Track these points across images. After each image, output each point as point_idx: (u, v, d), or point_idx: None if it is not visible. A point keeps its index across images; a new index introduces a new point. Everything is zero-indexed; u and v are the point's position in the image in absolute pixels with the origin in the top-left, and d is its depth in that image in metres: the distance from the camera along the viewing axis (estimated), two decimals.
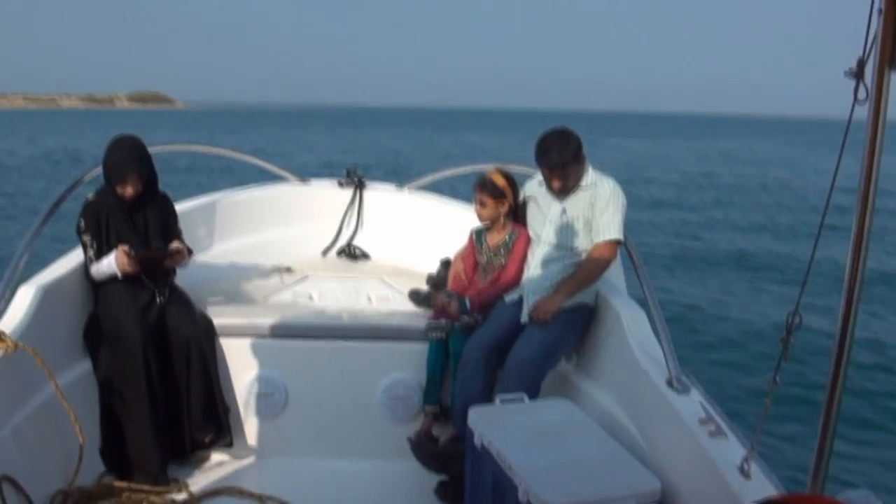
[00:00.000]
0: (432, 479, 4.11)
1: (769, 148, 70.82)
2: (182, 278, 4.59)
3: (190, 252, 4.47)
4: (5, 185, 28.81)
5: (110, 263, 4.16)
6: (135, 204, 4.30)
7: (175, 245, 4.37)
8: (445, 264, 5.12)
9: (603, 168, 4.40)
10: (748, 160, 52.01)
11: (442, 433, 4.40)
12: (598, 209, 4.22)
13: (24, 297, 4.00)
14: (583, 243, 4.30)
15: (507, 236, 4.61)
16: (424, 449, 4.23)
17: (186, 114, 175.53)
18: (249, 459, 4.48)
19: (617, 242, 4.21)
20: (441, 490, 4.07)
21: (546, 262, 4.36)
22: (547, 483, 3.00)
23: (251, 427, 4.54)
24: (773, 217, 24.20)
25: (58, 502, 3.72)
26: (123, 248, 4.13)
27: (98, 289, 4.31)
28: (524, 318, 4.30)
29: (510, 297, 4.44)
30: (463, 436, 3.88)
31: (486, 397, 4.10)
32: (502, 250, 4.60)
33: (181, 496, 4.01)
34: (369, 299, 5.06)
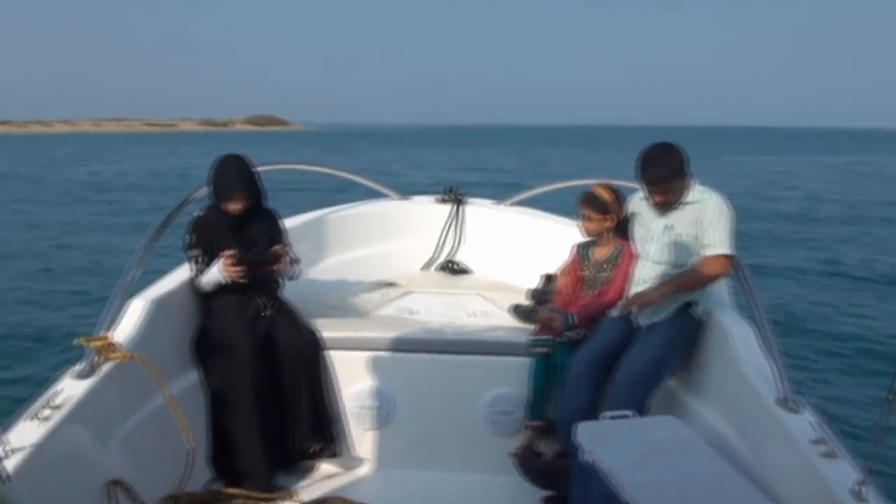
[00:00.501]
0: (535, 495, 4.01)
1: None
2: (288, 292, 4.62)
3: (295, 261, 4.50)
4: (118, 203, 30.02)
5: (215, 271, 4.23)
6: (242, 220, 4.36)
7: (277, 247, 4.38)
8: (547, 279, 5.03)
9: (715, 184, 4.26)
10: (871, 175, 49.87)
11: (545, 448, 4.31)
12: (706, 224, 4.07)
13: (136, 310, 4.10)
14: (688, 260, 4.16)
15: (612, 251, 4.50)
16: (530, 464, 4.14)
17: (300, 134, 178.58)
18: (355, 470, 4.47)
19: (728, 258, 4.05)
20: None
21: (651, 279, 4.23)
22: (657, 502, 2.91)
23: (357, 438, 4.53)
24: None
25: None
26: (228, 252, 4.19)
27: (207, 302, 4.39)
28: (616, 312, 4.23)
29: (614, 313, 4.33)
30: (568, 452, 3.78)
31: (592, 413, 3.98)
32: (607, 265, 4.50)
33: None
34: (470, 314, 5.01)
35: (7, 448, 2.65)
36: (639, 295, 4.15)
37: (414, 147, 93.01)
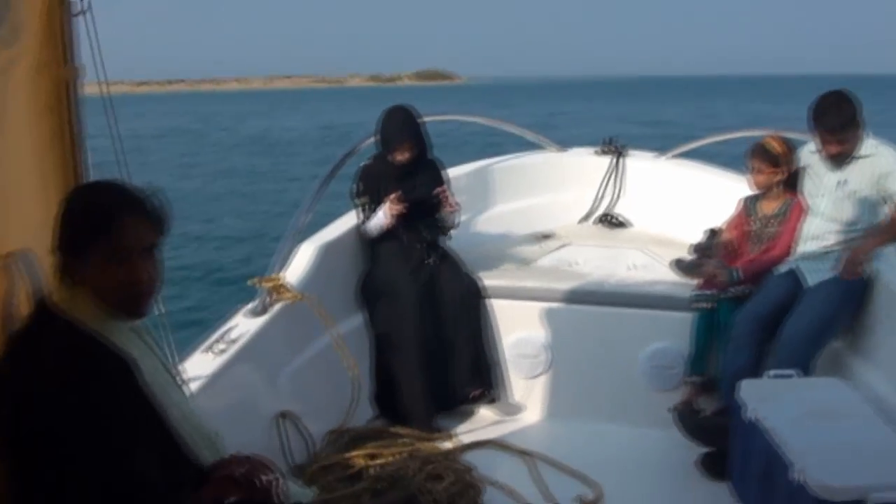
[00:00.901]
0: (693, 451, 3.92)
1: None
2: (450, 241, 4.68)
3: (457, 208, 4.54)
4: (287, 156, 30.96)
5: (381, 215, 4.32)
6: (407, 169, 4.42)
7: (439, 189, 4.43)
8: (711, 233, 4.86)
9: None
10: None
11: (705, 405, 4.21)
12: (891, 180, 3.86)
13: (306, 254, 4.27)
14: (862, 217, 3.94)
15: (781, 205, 4.30)
16: (689, 420, 4.05)
17: (466, 88, 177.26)
18: (512, 417, 4.49)
19: None
20: (706, 462, 3.88)
21: (821, 235, 4.04)
22: (823, 464, 2.81)
23: (514, 385, 4.55)
24: None
25: (332, 439, 3.93)
26: (394, 195, 4.28)
27: (372, 248, 4.50)
28: (807, 282, 4.01)
29: (781, 269, 4.15)
30: (728, 409, 3.68)
31: (754, 371, 3.84)
32: (775, 220, 4.30)
33: (446, 445, 4.08)
34: (630, 267, 4.91)
35: (185, 377, 2.81)
36: (852, 259, 3.88)
37: (581, 100, 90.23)
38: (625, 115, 55.74)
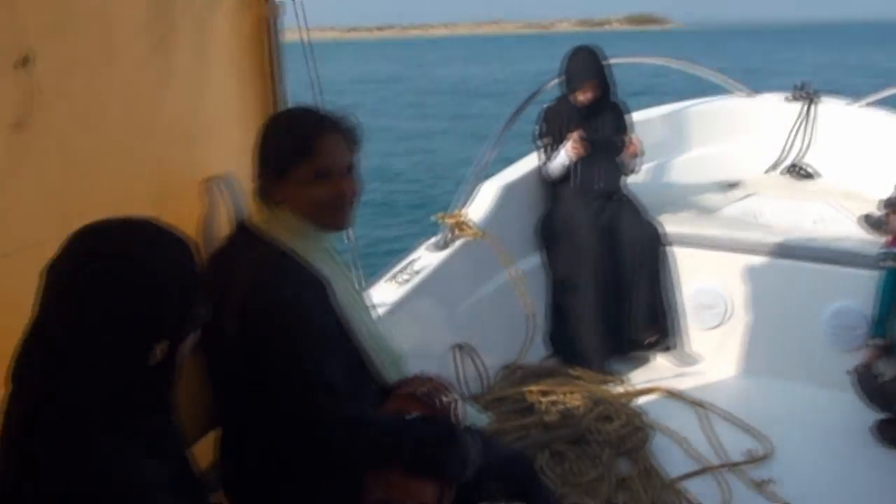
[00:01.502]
0: (869, 416, 3.71)
1: None
2: (631, 186, 4.60)
3: (639, 153, 4.46)
4: (488, 102, 31.00)
5: (562, 153, 4.30)
6: (590, 110, 4.37)
7: (623, 136, 4.37)
8: None
9: None
10: None
11: (885, 369, 3.97)
12: None
13: (488, 193, 4.33)
14: None
15: None
16: (868, 383, 3.84)
17: (676, 33, 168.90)
18: (685, 365, 4.39)
19: None
20: (882, 428, 3.68)
21: None
22: None
23: (690, 334, 4.45)
24: None
25: (506, 374, 3.99)
26: (576, 133, 4.24)
27: (553, 190, 4.49)
28: None
29: None
30: None
31: None
32: None
33: (618, 389, 4.06)
34: (817, 220, 4.67)
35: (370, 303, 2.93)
36: None
37: (794, 45, 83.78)
38: (840, 61, 51.70)
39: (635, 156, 4.41)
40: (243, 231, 2.06)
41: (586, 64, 4.36)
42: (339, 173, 1.99)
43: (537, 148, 4.50)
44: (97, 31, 1.84)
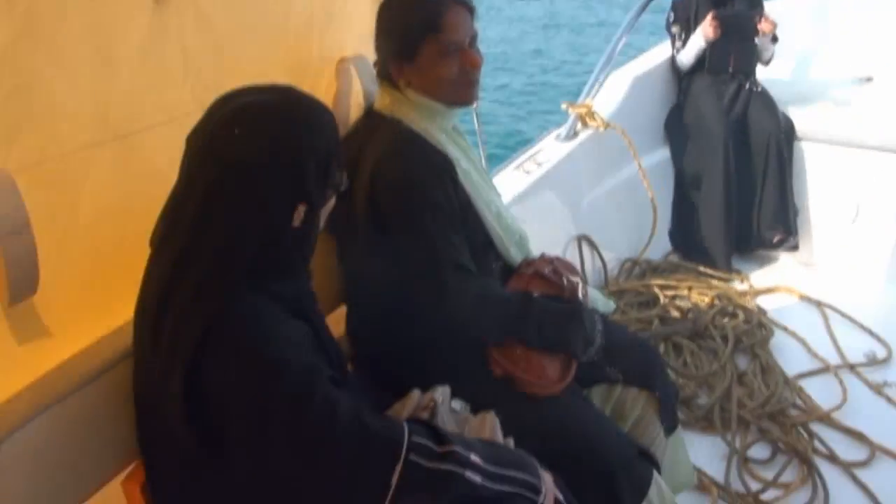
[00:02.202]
0: None
1: None
2: (765, 80, 4.37)
3: (774, 39, 4.24)
4: None
5: (696, 36, 4.15)
6: None
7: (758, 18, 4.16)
8: None
9: None
10: None
11: None
12: None
13: (616, 83, 4.20)
14: None
15: None
16: None
17: None
18: (811, 266, 4.24)
19: None
20: None
21: None
22: None
23: (817, 234, 4.27)
24: None
25: (627, 268, 3.95)
26: (710, 15, 4.07)
27: (683, 82, 4.34)
28: None
29: None
30: None
31: None
32: None
33: (742, 286, 3.97)
34: None
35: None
36: None
37: None
38: None
39: (770, 33, 4.18)
40: (370, 115, 2.06)
41: None
42: (467, 46, 1.96)
43: (670, 36, 4.33)
44: None
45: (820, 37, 5.32)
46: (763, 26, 4.13)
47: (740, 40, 4.19)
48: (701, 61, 4.22)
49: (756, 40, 4.21)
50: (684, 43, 4.24)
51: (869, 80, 5.00)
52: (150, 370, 1.43)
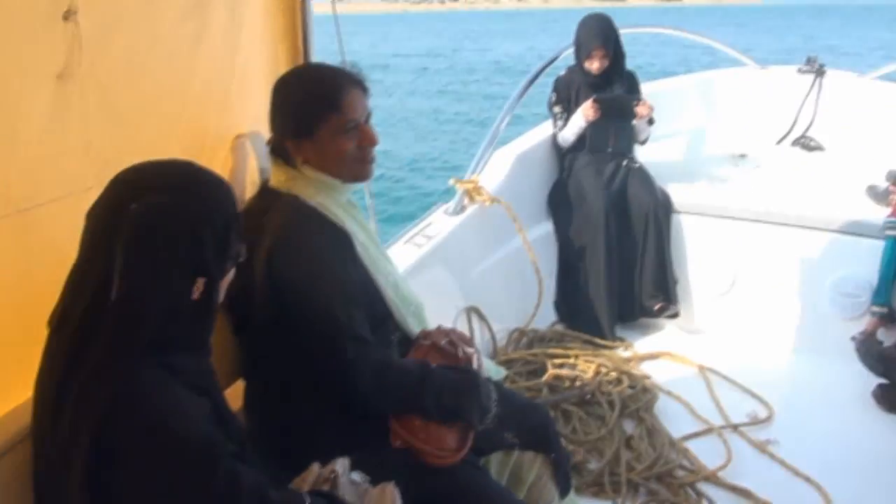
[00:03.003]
0: (871, 382, 3.77)
1: None
2: (641, 155, 4.65)
3: (650, 121, 4.49)
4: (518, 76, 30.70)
5: (576, 117, 4.36)
6: (601, 79, 4.40)
7: (635, 103, 4.39)
8: None
9: None
10: None
11: (887, 337, 4.02)
12: None
13: (501, 160, 4.37)
14: None
15: None
16: (870, 350, 3.90)
17: (757, 9, 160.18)
18: (692, 332, 4.44)
19: None
20: (879, 393, 3.75)
21: None
22: None
23: (697, 302, 4.49)
24: None
25: (515, 338, 4.05)
26: (590, 101, 4.30)
27: (565, 158, 4.53)
28: None
29: None
30: None
31: None
32: None
33: (626, 353, 4.12)
34: (823, 191, 4.70)
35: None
36: None
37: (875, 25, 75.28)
38: None
39: (647, 116, 4.42)
40: (266, 192, 2.10)
41: (595, 31, 4.39)
42: (364, 124, 2.04)
43: (552, 115, 4.54)
44: None
45: (696, 116, 5.70)
46: (640, 110, 4.37)
47: (619, 121, 4.43)
48: (581, 140, 4.43)
49: (634, 122, 4.46)
50: (565, 122, 4.46)
51: (743, 156, 5.36)
52: (49, 453, 1.40)
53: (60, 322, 1.42)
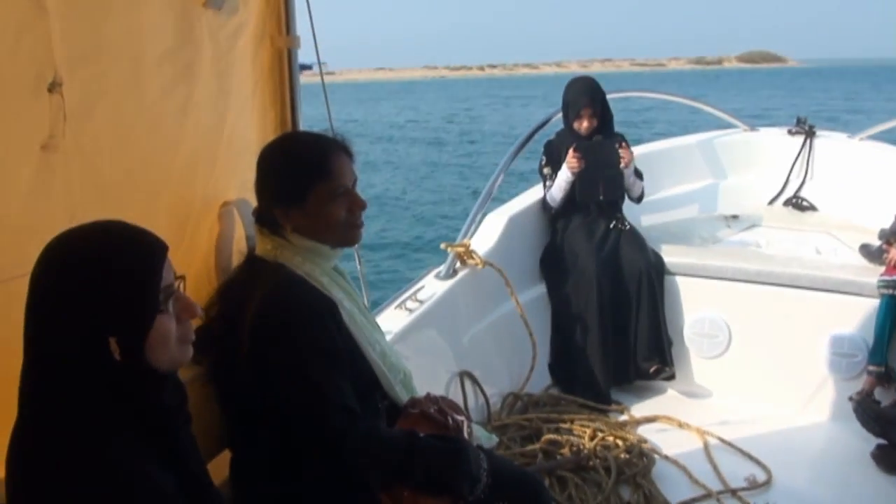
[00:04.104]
0: (870, 443, 3.75)
1: None
2: (634, 218, 4.69)
3: (639, 175, 4.54)
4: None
5: (562, 172, 4.39)
6: (590, 140, 4.45)
7: (621, 151, 4.40)
8: None
9: None
10: None
11: (884, 397, 4.00)
12: None
13: (493, 224, 4.40)
14: None
15: None
16: (867, 410, 3.88)
17: (790, 71, 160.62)
18: (688, 394, 4.43)
19: None
20: (879, 454, 3.72)
21: None
22: None
23: (693, 364, 4.48)
24: None
25: (509, 402, 4.01)
26: (573, 146, 4.34)
27: (556, 221, 4.55)
28: None
29: None
30: None
31: None
32: None
33: (621, 417, 4.09)
34: (817, 251, 4.73)
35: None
36: None
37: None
38: None
39: (630, 162, 4.43)
40: (252, 261, 2.11)
41: (582, 92, 4.46)
42: (352, 190, 2.07)
43: (542, 178, 4.58)
44: (125, 58, 1.91)
45: (687, 178, 5.76)
46: (624, 153, 4.39)
47: (606, 170, 4.42)
48: (572, 200, 4.45)
49: (623, 168, 4.43)
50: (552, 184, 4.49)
51: (735, 217, 5.40)
52: None
53: (20, 399, 1.39)
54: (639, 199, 4.68)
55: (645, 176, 4.61)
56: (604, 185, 4.43)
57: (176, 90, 2.06)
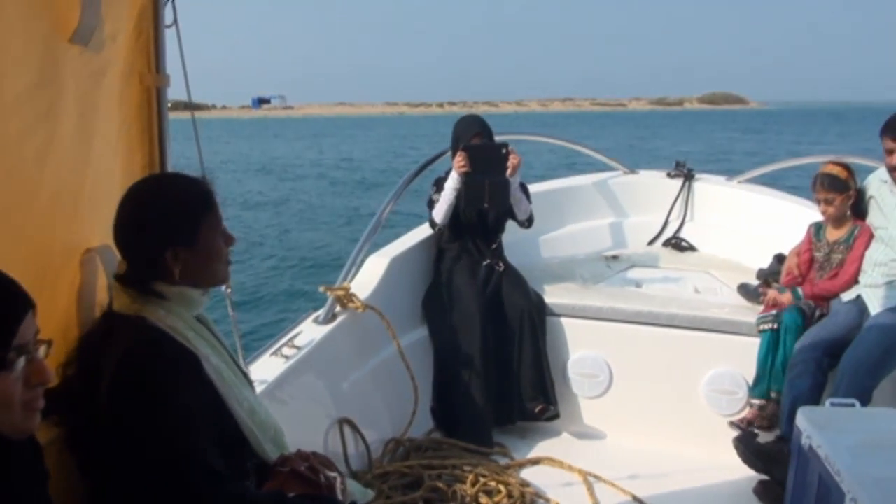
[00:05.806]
0: (752, 478, 3.89)
1: None
2: (515, 259, 4.75)
3: (527, 195, 4.61)
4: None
5: (448, 182, 4.44)
6: None
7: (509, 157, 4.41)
8: (778, 259, 4.83)
9: None
10: None
11: (763, 431, 4.16)
12: None
13: (374, 266, 4.38)
14: None
15: (847, 232, 4.25)
16: (748, 445, 4.01)
17: (749, 113, 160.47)
18: (571, 434, 4.51)
19: None
20: (760, 490, 3.86)
21: (887, 263, 3.99)
22: (878, 496, 2.72)
23: (575, 404, 4.56)
24: None
25: (390, 449, 3.99)
26: (461, 147, 4.39)
27: (438, 262, 4.59)
28: (872, 310, 3.94)
29: (846, 297, 4.11)
30: (789, 437, 3.64)
31: (815, 398, 3.81)
32: (841, 247, 4.26)
33: (503, 460, 4.11)
34: (696, 290, 4.90)
35: (251, 378, 2.90)
36: None
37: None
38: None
39: (517, 167, 4.43)
40: (109, 316, 2.04)
41: (472, 123, 4.58)
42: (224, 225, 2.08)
43: (428, 206, 4.61)
44: None
45: (567, 219, 5.89)
46: (512, 159, 4.39)
47: (493, 173, 4.39)
48: (455, 219, 4.50)
49: (509, 178, 4.42)
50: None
51: (615, 257, 5.54)
52: None
53: None
54: (528, 223, 4.70)
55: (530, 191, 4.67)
56: (489, 192, 4.40)
57: (36, 132, 1.96)
